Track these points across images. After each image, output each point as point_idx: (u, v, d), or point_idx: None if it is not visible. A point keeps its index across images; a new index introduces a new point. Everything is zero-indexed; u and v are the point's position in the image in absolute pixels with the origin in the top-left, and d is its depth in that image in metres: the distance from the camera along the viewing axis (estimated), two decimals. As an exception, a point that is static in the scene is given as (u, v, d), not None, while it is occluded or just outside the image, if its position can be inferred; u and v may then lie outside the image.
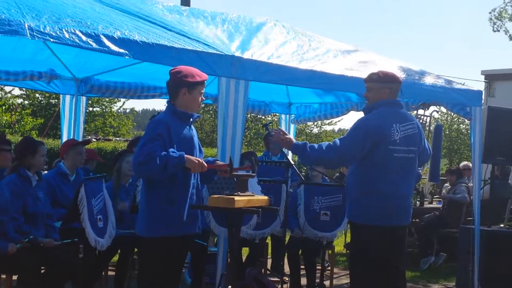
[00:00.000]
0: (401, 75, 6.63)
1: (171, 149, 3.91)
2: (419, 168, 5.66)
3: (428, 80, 7.02)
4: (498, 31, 11.80)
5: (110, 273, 6.23)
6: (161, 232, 3.98)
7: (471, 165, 8.30)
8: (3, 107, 19.25)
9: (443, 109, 21.85)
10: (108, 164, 8.74)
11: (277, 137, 4.85)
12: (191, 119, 4.21)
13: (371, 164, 4.65)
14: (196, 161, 4.01)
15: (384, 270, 4.63)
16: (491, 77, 20.60)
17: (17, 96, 23.06)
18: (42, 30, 4.22)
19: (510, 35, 11.72)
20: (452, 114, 26.16)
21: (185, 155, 3.94)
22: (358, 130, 4.73)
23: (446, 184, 9.81)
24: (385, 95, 4.81)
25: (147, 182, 4.06)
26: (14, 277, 5.01)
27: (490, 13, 11.77)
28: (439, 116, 25.44)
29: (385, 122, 4.67)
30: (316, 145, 4.76)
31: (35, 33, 4.20)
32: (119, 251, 5.98)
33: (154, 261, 4.03)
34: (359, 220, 4.74)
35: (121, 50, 4.64)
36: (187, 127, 4.17)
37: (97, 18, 4.84)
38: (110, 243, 5.12)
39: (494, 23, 11.74)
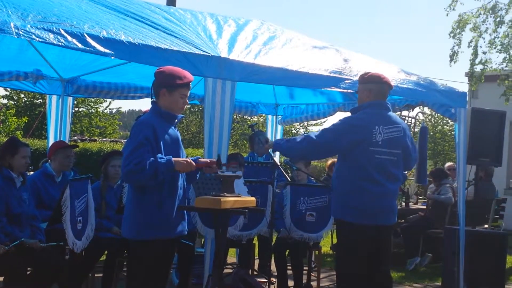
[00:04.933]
0: (387, 74, 6.67)
1: (159, 155, 3.89)
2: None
3: (412, 81, 7.05)
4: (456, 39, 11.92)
5: (97, 274, 6.20)
6: (149, 235, 3.97)
7: (455, 165, 8.36)
8: (-14, 108, 19.14)
9: (427, 110, 22.02)
10: (95, 164, 8.72)
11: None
12: (176, 120, 4.20)
13: (353, 163, 4.69)
14: (185, 162, 4.01)
15: (370, 270, 4.66)
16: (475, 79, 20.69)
17: (1, 97, 22.94)
18: (27, 29, 4.21)
19: (454, 50, 11.82)
20: (436, 115, 26.34)
21: (173, 159, 3.93)
22: (337, 126, 4.79)
23: (431, 185, 9.87)
24: (366, 97, 4.85)
25: (134, 185, 4.04)
26: (0, 278, 4.97)
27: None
28: (424, 118, 25.58)
29: (367, 123, 4.69)
30: (292, 137, 4.97)
31: (20, 32, 4.18)
32: (106, 252, 5.96)
33: (142, 263, 4.02)
34: (343, 217, 4.78)
35: (107, 50, 4.63)
36: (172, 127, 4.16)
37: (83, 17, 4.82)
38: (86, 245, 5.11)
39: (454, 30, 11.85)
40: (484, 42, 11.73)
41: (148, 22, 5.43)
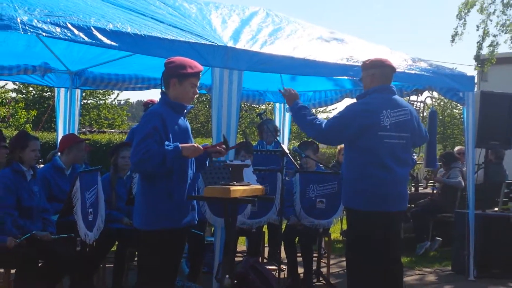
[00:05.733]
0: (392, 61, 6.67)
1: (166, 142, 3.92)
2: (414, 154, 5.69)
3: (420, 65, 7.05)
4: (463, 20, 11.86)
5: (108, 265, 6.25)
6: (159, 225, 3.99)
7: (464, 149, 8.35)
8: (-3, 101, 19.22)
9: (436, 95, 21.95)
10: (104, 156, 8.76)
11: (284, 91, 5.10)
12: (185, 110, 4.21)
13: (362, 149, 4.68)
14: (192, 147, 4.02)
15: (380, 256, 4.66)
16: (484, 62, 20.62)
17: (10, 90, 23.03)
18: (34, 24, 4.23)
19: (457, 31, 11.77)
20: (445, 99, 26.24)
21: (180, 145, 3.95)
22: (345, 113, 4.79)
23: (441, 169, 9.85)
24: (370, 82, 4.84)
25: (144, 176, 4.06)
26: (12, 271, 5.03)
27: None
28: (432, 102, 25.50)
29: (374, 108, 4.68)
30: (308, 115, 4.90)
31: (27, 27, 4.20)
32: (116, 243, 6.01)
33: (153, 253, 4.04)
34: (354, 206, 4.77)
35: (113, 43, 4.65)
36: (182, 118, 4.17)
37: (89, 11, 4.85)
38: (97, 236, 5.16)
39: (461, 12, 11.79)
40: (491, 23, 11.67)
41: (153, 17, 5.44)
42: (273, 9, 7.27)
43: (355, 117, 4.69)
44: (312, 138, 5.19)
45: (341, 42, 7.04)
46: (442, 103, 27.95)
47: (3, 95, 21.26)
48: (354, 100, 5.09)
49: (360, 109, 4.75)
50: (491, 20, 11.60)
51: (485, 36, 11.63)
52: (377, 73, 4.85)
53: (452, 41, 11.93)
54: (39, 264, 5.08)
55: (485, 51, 11.81)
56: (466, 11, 11.65)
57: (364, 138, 4.66)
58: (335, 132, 4.74)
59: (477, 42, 11.75)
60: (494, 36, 11.57)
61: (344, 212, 5.90)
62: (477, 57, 12.59)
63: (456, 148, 11.07)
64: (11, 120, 18.63)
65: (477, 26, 11.63)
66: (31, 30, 4.23)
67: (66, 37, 4.41)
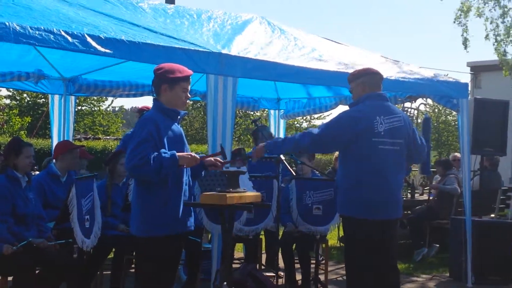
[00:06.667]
0: (385, 68, 6.68)
1: (162, 150, 3.89)
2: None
3: (414, 72, 7.06)
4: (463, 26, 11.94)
5: (105, 272, 6.22)
6: (156, 232, 3.96)
7: (460, 156, 8.36)
8: (-10, 108, 19.19)
9: (430, 101, 22.02)
10: (99, 162, 8.72)
11: (254, 153, 4.84)
12: (179, 116, 4.19)
13: (357, 156, 4.65)
14: (189, 156, 4.00)
15: (377, 263, 4.64)
16: (477, 69, 20.73)
17: (4, 97, 22.98)
18: (27, 33, 4.21)
19: (465, 37, 11.86)
20: (439, 106, 26.32)
21: (177, 153, 3.93)
22: (337, 121, 4.75)
23: (436, 176, 9.86)
24: (362, 91, 4.82)
25: (139, 182, 4.03)
26: (9, 278, 4.99)
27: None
28: (426, 109, 25.57)
29: (367, 114, 4.65)
30: (288, 136, 4.87)
31: (20, 38, 4.19)
32: (113, 250, 5.98)
33: (150, 260, 4.02)
34: (349, 213, 4.74)
35: (107, 51, 4.64)
36: (176, 124, 4.15)
37: (82, 22, 4.82)
38: (95, 243, 5.14)
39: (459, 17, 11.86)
40: (492, 27, 11.71)
41: (147, 27, 5.42)
42: (267, 16, 7.25)
43: (348, 124, 4.66)
44: (306, 148, 5.10)
45: (336, 49, 7.05)
46: (436, 109, 28.02)
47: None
48: (347, 108, 5.08)
49: (353, 116, 4.73)
50: (491, 24, 11.66)
51: (499, 41, 11.67)
52: (367, 81, 4.83)
53: (465, 48, 12.02)
54: (36, 272, 5.04)
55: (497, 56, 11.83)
56: (464, 15, 11.70)
57: (358, 145, 4.63)
58: (328, 139, 4.70)
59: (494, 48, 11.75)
60: (499, 42, 11.62)
61: (341, 218, 5.88)
62: (506, 62, 12.42)
63: (451, 155, 11.09)
64: (5, 126, 18.60)
65: (485, 36, 11.66)
66: (24, 40, 4.22)
67: (60, 46, 4.40)
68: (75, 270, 5.09)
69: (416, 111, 12.94)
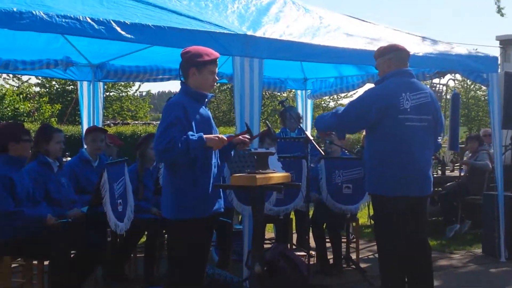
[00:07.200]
0: (413, 44, 6.61)
1: (190, 132, 3.91)
2: (439, 137, 5.62)
3: (442, 48, 6.96)
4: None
5: (139, 255, 6.31)
6: (186, 215, 3.99)
7: (491, 131, 8.25)
8: (21, 96, 19.45)
9: (459, 77, 21.72)
10: (129, 147, 8.81)
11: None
12: (206, 99, 4.20)
13: (384, 134, 4.63)
14: (216, 138, 4.02)
15: (408, 240, 4.63)
16: (506, 42, 20.37)
17: (34, 85, 23.27)
18: (54, 22, 4.25)
19: (498, 5, 11.62)
20: (468, 81, 25.96)
21: (204, 136, 3.94)
22: (362, 99, 4.75)
23: (467, 152, 9.75)
24: (387, 68, 4.79)
25: (169, 165, 4.06)
26: (46, 263, 5.08)
27: None
28: (455, 84, 25.21)
29: (393, 92, 4.62)
30: (324, 114, 4.99)
31: (47, 26, 4.23)
32: (146, 233, 6.06)
33: (182, 243, 4.06)
34: (377, 191, 4.74)
35: (133, 36, 4.66)
36: (203, 107, 4.16)
37: (107, 13, 4.82)
38: (128, 226, 5.19)
39: None
40: None
41: (172, 10, 5.41)
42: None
43: (374, 102, 4.63)
44: (334, 129, 5.16)
45: (362, 26, 6.98)
46: (465, 85, 27.64)
47: (27, 89, 21.51)
48: (373, 86, 5.04)
49: (379, 94, 4.70)
50: None
51: None
52: (393, 57, 4.80)
53: (501, 15, 11.84)
54: (72, 256, 5.13)
55: None
56: None
57: (385, 122, 4.60)
58: (353, 118, 4.69)
59: None
60: None
61: (370, 197, 5.87)
62: None
63: (482, 131, 10.95)
64: (36, 114, 18.85)
65: None
66: (51, 28, 4.26)
67: (87, 34, 4.43)
68: (109, 253, 5.17)
69: (444, 87, 12.79)
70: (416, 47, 6.58)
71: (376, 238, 4.97)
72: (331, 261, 6.57)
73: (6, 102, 18.33)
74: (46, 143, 5.30)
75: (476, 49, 7.47)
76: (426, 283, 4.76)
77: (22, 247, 4.78)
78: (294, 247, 7.23)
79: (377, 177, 4.69)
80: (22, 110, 18.50)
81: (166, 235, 6.24)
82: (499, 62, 7.62)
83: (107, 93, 24.66)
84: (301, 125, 6.46)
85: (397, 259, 4.64)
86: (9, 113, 18.00)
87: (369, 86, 9.04)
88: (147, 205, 6.01)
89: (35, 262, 5.14)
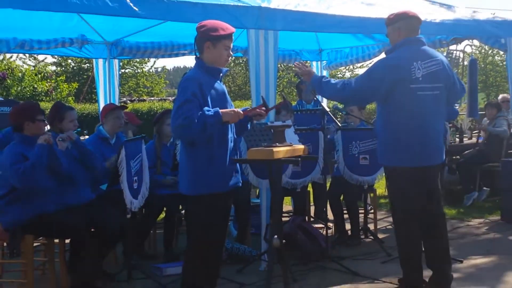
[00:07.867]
0: (429, 11, 6.51)
1: (206, 108, 3.91)
2: (456, 104, 5.58)
3: (459, 14, 6.86)
4: None
5: (158, 231, 6.37)
6: (204, 190, 4.02)
7: (509, 97, 8.17)
8: (39, 76, 19.54)
9: (476, 42, 21.42)
10: (146, 124, 8.84)
11: (298, 67, 4.94)
12: (221, 74, 4.19)
13: (396, 104, 4.58)
14: (232, 112, 4.02)
15: (421, 210, 4.63)
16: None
17: (50, 64, 23.37)
18: (68, 1, 4.26)
19: None
20: (486, 46, 25.59)
21: (220, 110, 3.95)
22: (373, 70, 4.69)
23: (485, 119, 9.66)
24: (398, 36, 4.72)
25: (185, 142, 4.08)
26: (67, 241, 5.16)
27: None
28: (472, 50, 24.90)
29: (403, 61, 4.56)
30: (332, 81, 4.81)
31: (61, 5, 4.25)
32: (165, 209, 6.11)
33: (200, 218, 4.09)
34: (390, 163, 4.72)
35: (147, 12, 4.66)
36: (218, 81, 4.16)
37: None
38: (142, 203, 5.25)
39: None
40: None
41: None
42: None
43: (385, 73, 4.58)
44: (346, 100, 5.12)
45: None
46: (483, 50, 27.27)
47: (44, 69, 21.60)
48: (384, 56, 4.99)
49: (390, 64, 4.64)
50: None
51: None
52: (403, 26, 4.72)
53: None
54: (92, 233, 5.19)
55: None
56: None
57: (396, 93, 4.55)
58: (366, 89, 4.64)
59: None
60: None
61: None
62: None
63: (500, 97, 10.83)
64: (53, 93, 18.94)
65: None
66: (65, 7, 4.27)
67: (101, 11, 4.44)
68: (129, 230, 5.22)
69: (461, 53, 12.64)
70: (432, 14, 6.50)
71: (391, 208, 4.97)
72: (349, 232, 6.60)
73: (26, 82, 18.42)
74: (59, 122, 5.35)
75: (494, 14, 7.34)
76: (442, 249, 4.76)
77: (43, 226, 4.84)
78: (312, 219, 7.26)
79: (389, 148, 4.67)
80: (40, 90, 18.59)
81: (184, 211, 6.30)
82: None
83: (123, 70, 24.69)
84: (317, 97, 6.42)
85: (412, 229, 4.65)
86: (28, 93, 18.10)
87: (383, 55, 8.97)
88: (162, 177, 6.05)
89: (56, 240, 5.22)
